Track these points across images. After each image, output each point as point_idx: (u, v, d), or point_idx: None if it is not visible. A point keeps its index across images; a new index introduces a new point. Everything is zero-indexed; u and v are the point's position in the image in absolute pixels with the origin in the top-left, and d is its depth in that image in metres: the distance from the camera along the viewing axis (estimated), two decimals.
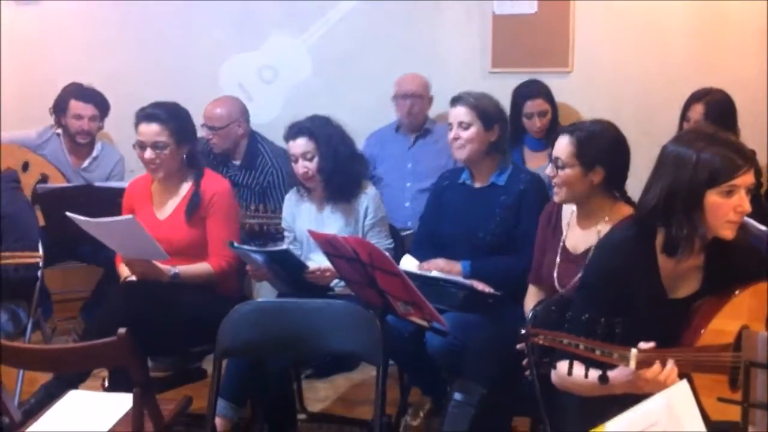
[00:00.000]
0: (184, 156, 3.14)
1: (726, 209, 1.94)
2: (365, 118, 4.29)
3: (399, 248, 3.27)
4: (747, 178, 1.94)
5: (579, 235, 2.63)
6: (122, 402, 2.36)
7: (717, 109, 3.64)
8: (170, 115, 3.08)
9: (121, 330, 2.07)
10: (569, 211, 2.70)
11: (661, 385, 1.77)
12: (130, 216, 2.97)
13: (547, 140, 3.75)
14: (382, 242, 3.12)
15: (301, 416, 3.30)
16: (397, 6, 4.46)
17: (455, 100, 3.05)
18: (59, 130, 4.30)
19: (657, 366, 1.82)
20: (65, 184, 4.09)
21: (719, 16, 4.15)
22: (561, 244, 2.67)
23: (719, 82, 3.79)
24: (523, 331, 1.94)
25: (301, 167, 3.13)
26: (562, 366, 1.91)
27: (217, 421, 2.73)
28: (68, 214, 2.87)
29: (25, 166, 4.14)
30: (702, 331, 1.94)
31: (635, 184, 2.24)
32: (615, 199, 2.60)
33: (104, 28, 4.74)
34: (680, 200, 1.95)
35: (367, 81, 4.52)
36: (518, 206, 2.95)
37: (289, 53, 4.65)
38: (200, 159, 3.28)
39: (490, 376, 2.67)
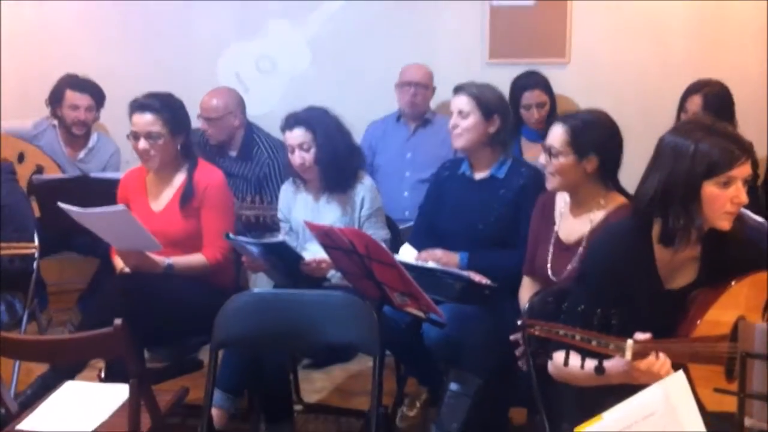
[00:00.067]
0: (179, 146, 3.12)
1: (723, 200, 1.94)
2: (363, 109, 4.29)
3: (397, 240, 3.27)
4: (744, 169, 1.94)
5: (572, 224, 2.63)
6: (119, 393, 2.37)
7: (715, 100, 3.64)
8: (164, 105, 3.06)
9: (117, 321, 2.07)
10: (562, 201, 2.70)
11: (656, 376, 1.77)
12: (121, 206, 2.94)
13: (544, 131, 3.73)
14: (378, 233, 3.11)
15: (298, 407, 3.30)
16: None
17: (457, 89, 3.04)
18: (55, 122, 4.29)
19: (652, 357, 1.83)
20: (61, 176, 4.08)
21: (718, 15, 4.15)
22: (554, 234, 2.67)
23: (718, 77, 3.79)
24: (519, 322, 1.94)
25: (298, 158, 3.13)
26: (559, 356, 1.91)
27: (214, 411, 2.73)
28: (60, 204, 2.85)
29: (21, 157, 4.13)
30: (698, 321, 1.95)
31: (632, 175, 2.23)
32: (608, 188, 2.60)
33: (103, 21, 4.72)
34: (677, 191, 1.94)
35: (365, 72, 4.51)
36: (518, 201, 2.94)
37: (288, 44, 4.64)
38: (194, 149, 3.26)
39: (486, 368, 2.68)
